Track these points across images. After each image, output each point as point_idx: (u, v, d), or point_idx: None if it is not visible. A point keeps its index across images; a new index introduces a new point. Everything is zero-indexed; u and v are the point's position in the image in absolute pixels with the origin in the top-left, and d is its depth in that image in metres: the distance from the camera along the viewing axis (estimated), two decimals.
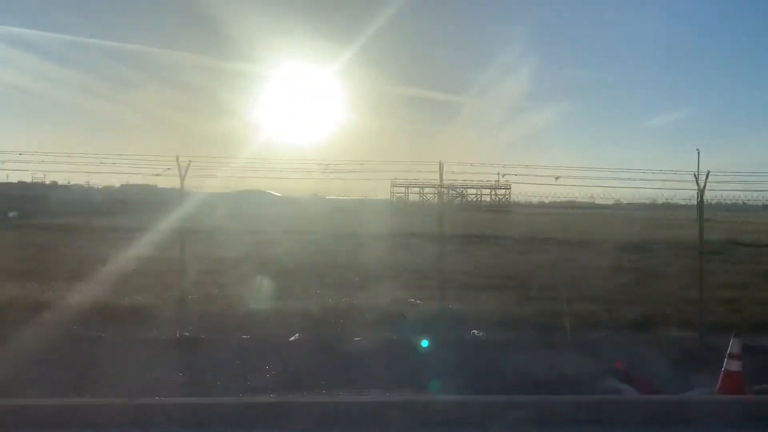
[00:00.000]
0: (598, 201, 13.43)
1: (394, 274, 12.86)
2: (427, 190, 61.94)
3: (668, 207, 21.85)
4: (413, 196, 62.25)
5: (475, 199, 61.67)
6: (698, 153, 43.30)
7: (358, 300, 10.33)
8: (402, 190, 60.27)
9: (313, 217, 32.86)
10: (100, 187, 41.08)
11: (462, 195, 60.64)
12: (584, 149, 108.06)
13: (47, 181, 45.24)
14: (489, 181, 59.17)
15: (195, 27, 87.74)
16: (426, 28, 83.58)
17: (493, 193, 60.13)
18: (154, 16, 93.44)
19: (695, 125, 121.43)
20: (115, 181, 39.38)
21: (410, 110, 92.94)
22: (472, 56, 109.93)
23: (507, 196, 55.70)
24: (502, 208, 54.50)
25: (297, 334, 8.45)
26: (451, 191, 65.75)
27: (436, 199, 62.99)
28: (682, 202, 11.08)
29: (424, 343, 7.84)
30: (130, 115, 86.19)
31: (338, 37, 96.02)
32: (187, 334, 8.32)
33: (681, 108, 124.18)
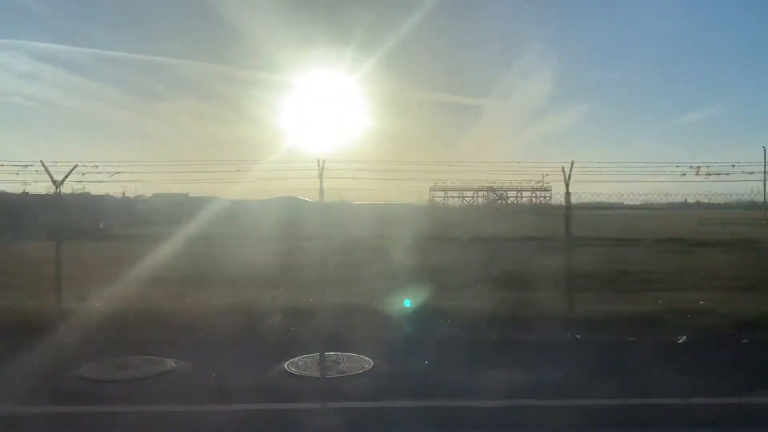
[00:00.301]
0: (626, 201, 12.21)
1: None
2: (466, 193, 61.20)
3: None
4: (444, 201, 61.65)
5: (515, 201, 60.96)
6: (764, 150, 42.86)
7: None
8: (441, 194, 59.37)
9: (389, 222, 31.68)
10: (132, 197, 40.57)
11: (502, 197, 59.86)
12: (610, 149, 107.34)
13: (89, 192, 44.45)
14: (530, 182, 58.47)
15: (220, 38, 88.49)
16: (447, 33, 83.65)
17: (534, 195, 59.49)
18: (179, 28, 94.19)
19: (728, 120, 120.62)
20: (147, 191, 41.05)
21: (433, 114, 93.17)
22: (493, 59, 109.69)
23: (548, 198, 55.14)
24: (549, 210, 53.85)
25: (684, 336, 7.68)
26: (490, 194, 64.98)
27: (476, 202, 62.55)
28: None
29: None
30: (156, 126, 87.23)
31: (361, 45, 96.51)
32: (578, 336, 7.73)
33: (713, 104, 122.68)
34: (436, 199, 58.03)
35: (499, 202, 59.37)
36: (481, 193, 61.28)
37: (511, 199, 60.68)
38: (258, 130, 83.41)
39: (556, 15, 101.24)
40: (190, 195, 36.50)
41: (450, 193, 60.42)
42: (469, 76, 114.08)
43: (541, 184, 53.08)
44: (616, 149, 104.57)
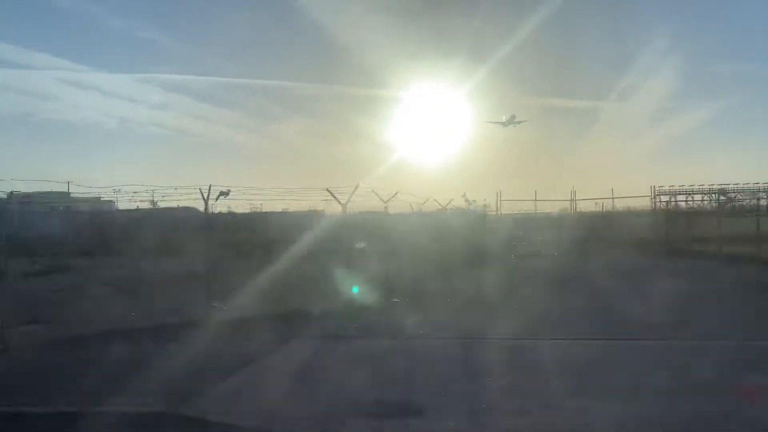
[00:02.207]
0: None
1: None
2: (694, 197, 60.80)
3: None
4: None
5: (747, 203, 57.97)
6: None
7: None
8: (666, 198, 60.14)
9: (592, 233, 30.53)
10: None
11: (731, 200, 58.09)
12: (750, 149, 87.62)
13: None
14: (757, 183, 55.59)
15: (329, 59, 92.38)
16: (559, 37, 78.31)
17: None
18: (291, 52, 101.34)
19: None
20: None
21: (547, 121, 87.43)
22: (611, 60, 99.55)
23: None
24: None
25: None
26: (720, 197, 62.43)
27: (710, 205, 60.45)
28: None
29: None
30: (273, 146, 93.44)
31: (470, 56, 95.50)
32: None
33: None
34: (661, 202, 58.77)
35: (729, 205, 57.64)
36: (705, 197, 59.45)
37: (746, 202, 57.84)
38: (368, 145, 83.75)
39: (677, 8, 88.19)
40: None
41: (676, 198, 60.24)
42: (586, 80, 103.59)
43: None
44: (746, 150, 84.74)
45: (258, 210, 28.21)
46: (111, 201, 27.93)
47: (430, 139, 50.37)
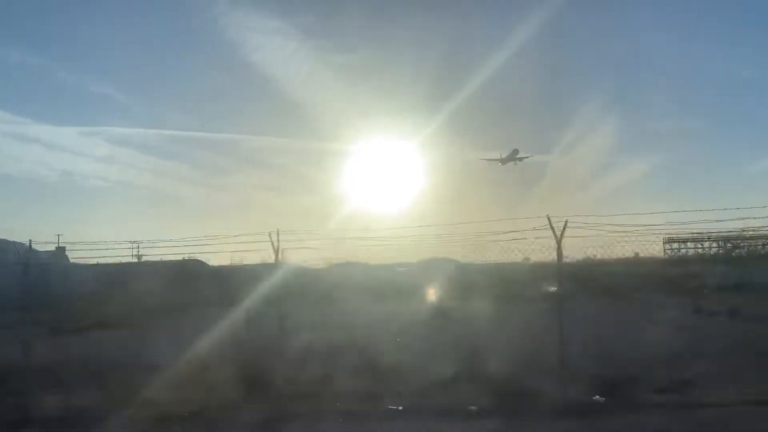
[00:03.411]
0: None
1: None
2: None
3: None
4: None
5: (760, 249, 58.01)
6: None
7: None
8: (677, 245, 60.38)
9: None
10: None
11: (740, 246, 58.35)
12: (682, 200, 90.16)
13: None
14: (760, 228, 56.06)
15: (280, 113, 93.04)
16: (508, 93, 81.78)
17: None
18: (242, 106, 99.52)
19: None
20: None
21: (496, 173, 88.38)
22: (555, 116, 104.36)
23: None
24: None
25: None
26: (727, 244, 62.41)
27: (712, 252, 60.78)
28: None
29: None
30: (222, 199, 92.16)
31: (421, 111, 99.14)
32: None
33: None
34: (671, 251, 58.75)
35: (737, 251, 57.98)
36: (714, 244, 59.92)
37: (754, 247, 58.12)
38: (319, 197, 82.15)
39: (614, 68, 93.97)
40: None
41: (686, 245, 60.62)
42: (532, 134, 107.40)
43: None
44: (683, 201, 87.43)
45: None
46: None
47: (381, 190, 50.88)
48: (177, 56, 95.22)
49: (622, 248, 12.05)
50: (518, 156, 68.17)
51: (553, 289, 14.10)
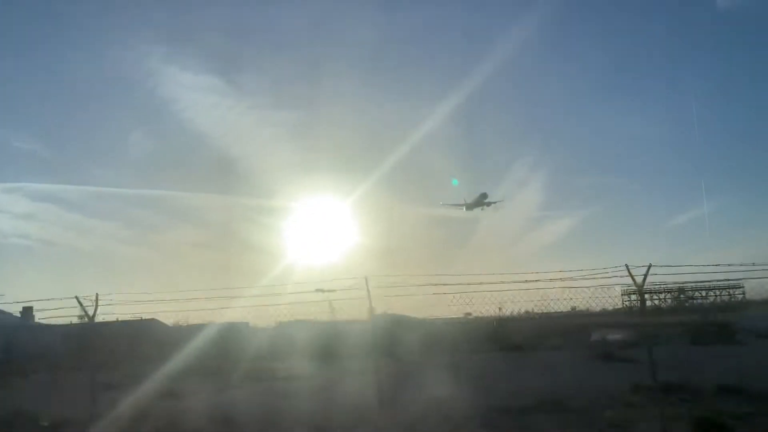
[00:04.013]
0: None
1: None
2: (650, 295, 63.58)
3: None
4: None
5: (702, 301, 59.84)
6: None
7: None
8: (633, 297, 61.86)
9: None
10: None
11: (691, 298, 60.83)
12: (608, 253, 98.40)
13: None
14: (712, 281, 58.96)
15: (215, 169, 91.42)
16: (440, 151, 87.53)
17: (721, 293, 58.16)
18: (175, 163, 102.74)
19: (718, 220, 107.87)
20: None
21: (432, 228, 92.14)
22: (487, 172, 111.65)
23: (741, 296, 53.90)
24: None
25: None
26: (668, 295, 64.26)
27: (665, 303, 62.99)
28: None
29: None
30: (154, 257, 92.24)
31: (357, 168, 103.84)
32: None
33: (704, 203, 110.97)
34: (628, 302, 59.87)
35: (689, 302, 60.34)
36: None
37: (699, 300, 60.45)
38: (256, 254, 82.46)
39: (543, 126, 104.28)
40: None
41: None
42: (464, 190, 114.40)
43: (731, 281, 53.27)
44: (609, 254, 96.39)
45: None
46: None
47: (318, 246, 52.01)
48: (106, 111, 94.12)
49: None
50: (486, 201, 62.46)
51: None
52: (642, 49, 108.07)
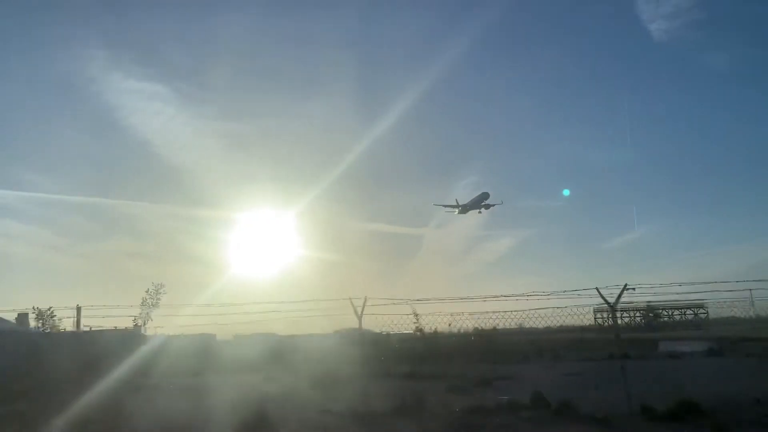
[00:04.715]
0: None
1: None
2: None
3: None
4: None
5: (668, 319, 61.43)
6: None
7: None
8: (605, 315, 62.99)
9: None
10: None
11: (657, 316, 62.90)
12: (546, 274, 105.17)
13: None
14: (678, 301, 61.14)
15: (157, 178, 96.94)
16: (385, 168, 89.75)
17: (686, 312, 59.94)
18: (115, 170, 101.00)
19: (650, 243, 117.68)
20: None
21: (375, 244, 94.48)
22: (432, 190, 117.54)
23: (704, 314, 55.77)
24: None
25: None
26: (635, 314, 65.99)
27: (635, 322, 64.46)
28: None
29: None
30: (89, 266, 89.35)
31: (302, 181, 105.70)
32: None
33: (638, 227, 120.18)
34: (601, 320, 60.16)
35: (657, 320, 62.02)
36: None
37: (664, 318, 62.36)
38: (198, 265, 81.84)
39: (488, 148, 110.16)
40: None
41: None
42: (409, 209, 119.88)
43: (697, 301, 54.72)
44: (547, 276, 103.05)
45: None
46: None
47: (259, 259, 52.22)
48: (45, 115, 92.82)
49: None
50: (485, 203, 58.96)
51: None
52: (581, 78, 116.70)
